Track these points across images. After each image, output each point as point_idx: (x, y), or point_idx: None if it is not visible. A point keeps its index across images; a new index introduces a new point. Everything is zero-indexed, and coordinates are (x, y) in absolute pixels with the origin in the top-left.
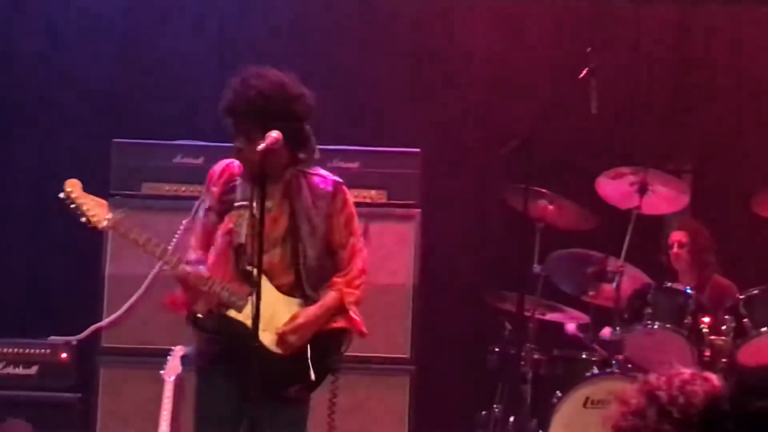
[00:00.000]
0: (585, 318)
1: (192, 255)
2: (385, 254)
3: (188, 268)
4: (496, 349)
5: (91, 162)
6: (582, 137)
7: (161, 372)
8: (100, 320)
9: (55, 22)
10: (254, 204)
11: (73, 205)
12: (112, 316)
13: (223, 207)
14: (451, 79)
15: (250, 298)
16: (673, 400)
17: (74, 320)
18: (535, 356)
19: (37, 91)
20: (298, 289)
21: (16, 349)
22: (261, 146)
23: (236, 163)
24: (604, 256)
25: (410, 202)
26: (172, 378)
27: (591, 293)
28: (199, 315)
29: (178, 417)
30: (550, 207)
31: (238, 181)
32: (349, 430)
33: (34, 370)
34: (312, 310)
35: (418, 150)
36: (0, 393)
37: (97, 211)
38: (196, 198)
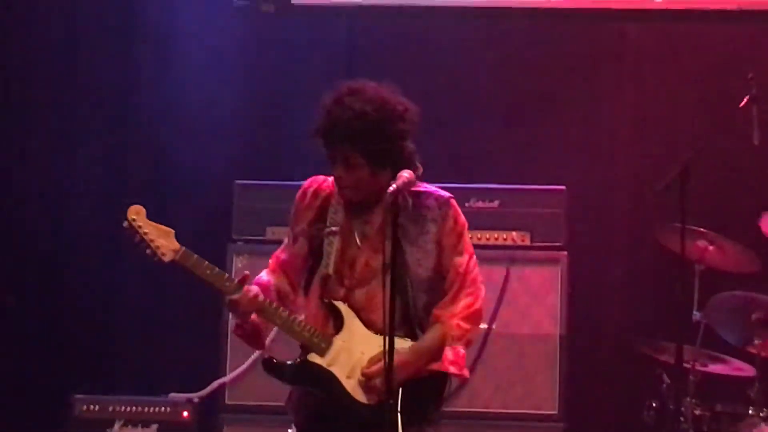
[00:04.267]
0: (750, 370)
1: (264, 277)
2: (529, 301)
3: (248, 293)
4: (654, 405)
5: (214, 204)
6: (743, 171)
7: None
8: (223, 376)
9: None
10: (353, 231)
11: (137, 236)
12: (236, 372)
13: (314, 232)
14: (598, 109)
15: (335, 338)
16: None
17: (196, 376)
18: (697, 412)
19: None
20: (402, 328)
21: (134, 408)
22: (392, 188)
23: (330, 180)
24: None
25: (555, 244)
26: None
27: (757, 342)
28: (274, 359)
29: None
30: (710, 248)
31: (332, 203)
32: None
33: (153, 429)
34: (406, 349)
35: (563, 187)
36: None
37: (162, 242)
38: None
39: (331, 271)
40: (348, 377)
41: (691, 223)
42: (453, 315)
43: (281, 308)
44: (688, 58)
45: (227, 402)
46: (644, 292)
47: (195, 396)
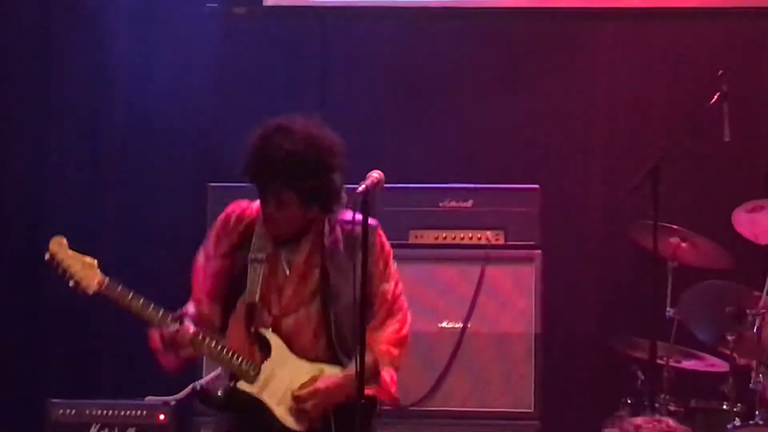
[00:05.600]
0: (724, 366)
1: (190, 308)
2: (503, 300)
3: (177, 326)
4: (628, 401)
5: (187, 207)
6: (715, 167)
7: None
8: (200, 379)
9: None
10: (280, 259)
11: (59, 269)
12: (212, 374)
13: (237, 259)
14: (571, 108)
15: (263, 365)
16: None
17: (172, 379)
18: (671, 408)
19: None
20: (329, 355)
21: (111, 411)
22: (361, 187)
23: (254, 206)
24: (745, 293)
25: (529, 242)
26: None
27: (730, 338)
28: (204, 388)
29: None
30: (683, 245)
31: (256, 230)
32: None
33: None
34: (336, 374)
35: (536, 186)
36: None
37: (85, 273)
38: None
39: (257, 299)
40: (278, 404)
41: (663, 220)
42: (382, 341)
43: (208, 338)
44: (660, 56)
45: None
46: (618, 290)
47: (172, 399)
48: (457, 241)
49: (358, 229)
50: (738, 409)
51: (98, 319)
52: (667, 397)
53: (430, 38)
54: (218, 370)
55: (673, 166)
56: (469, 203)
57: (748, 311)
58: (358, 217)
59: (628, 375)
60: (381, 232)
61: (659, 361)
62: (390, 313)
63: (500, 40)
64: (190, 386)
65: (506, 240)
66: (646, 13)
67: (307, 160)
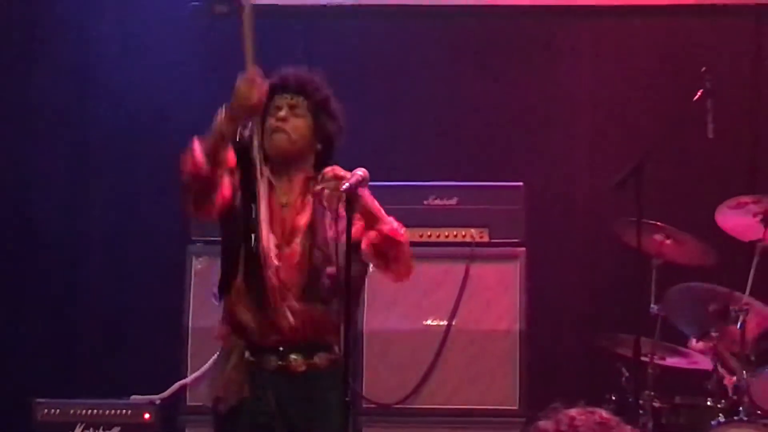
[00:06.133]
0: (708, 363)
1: None
2: (488, 298)
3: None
4: (613, 398)
5: (172, 205)
6: (699, 164)
7: None
8: (185, 377)
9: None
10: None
11: None
12: (197, 373)
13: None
14: (555, 106)
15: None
16: None
17: (157, 378)
18: (656, 404)
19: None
20: (311, 292)
21: (96, 411)
22: (345, 186)
23: None
24: (728, 291)
25: (514, 240)
26: None
27: (714, 334)
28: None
29: None
30: (667, 242)
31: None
32: None
33: None
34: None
35: (520, 183)
36: None
37: None
38: None
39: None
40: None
41: (648, 217)
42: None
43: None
44: (643, 53)
45: (189, 403)
46: (603, 287)
47: (157, 398)
48: (442, 238)
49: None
50: (722, 405)
51: (83, 318)
52: (652, 393)
53: (414, 37)
54: (203, 369)
55: (657, 163)
56: (454, 201)
57: (731, 308)
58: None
59: (612, 372)
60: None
61: (643, 358)
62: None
63: (483, 39)
64: (176, 384)
65: (491, 238)
66: (627, 10)
67: (322, 87)
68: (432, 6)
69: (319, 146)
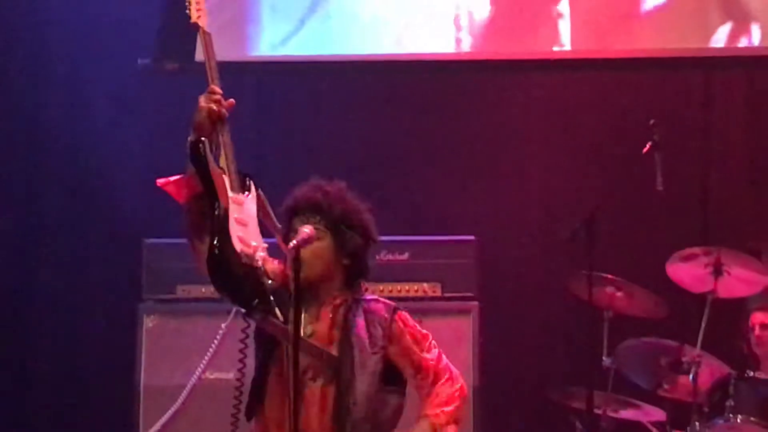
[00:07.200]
0: (661, 414)
1: None
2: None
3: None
4: None
5: (123, 263)
6: (649, 216)
7: None
8: None
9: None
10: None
11: None
12: (150, 431)
13: None
14: (506, 160)
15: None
16: None
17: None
18: None
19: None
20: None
21: None
22: (292, 243)
23: None
24: (679, 345)
25: (467, 294)
26: None
27: (666, 386)
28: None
29: None
30: (618, 294)
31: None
32: None
33: None
34: None
35: (472, 237)
36: None
37: None
38: None
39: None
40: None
41: (599, 269)
42: (433, 406)
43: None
44: (593, 107)
45: None
46: (556, 340)
47: None
48: (395, 294)
49: (377, 307)
50: None
51: (34, 377)
52: None
53: (364, 92)
54: (155, 427)
55: (608, 216)
56: (406, 256)
57: (683, 359)
58: (378, 297)
59: (566, 426)
60: (401, 313)
61: (597, 411)
62: (436, 379)
63: (431, 93)
64: None
65: (443, 292)
66: (577, 63)
67: (337, 202)
68: (384, 61)
69: (346, 261)
